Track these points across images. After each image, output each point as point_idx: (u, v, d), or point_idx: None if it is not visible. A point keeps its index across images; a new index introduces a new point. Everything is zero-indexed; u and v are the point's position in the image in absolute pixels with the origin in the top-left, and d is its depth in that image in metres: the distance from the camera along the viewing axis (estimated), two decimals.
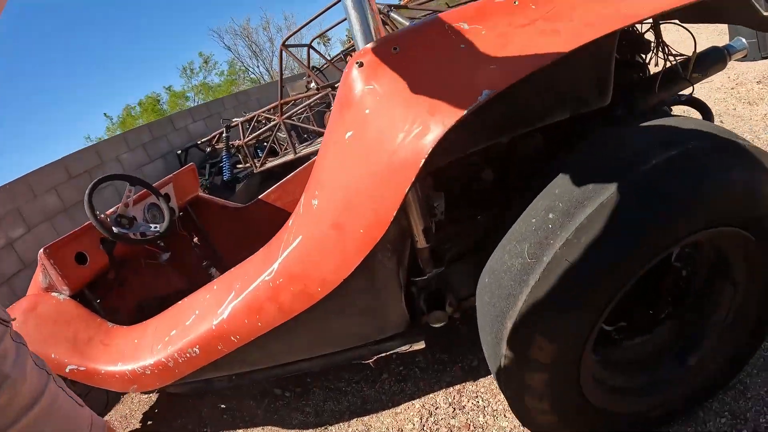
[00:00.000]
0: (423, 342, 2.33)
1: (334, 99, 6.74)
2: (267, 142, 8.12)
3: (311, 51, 7.95)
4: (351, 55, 1.67)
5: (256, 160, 8.14)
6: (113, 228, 3.21)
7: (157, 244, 3.58)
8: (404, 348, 2.35)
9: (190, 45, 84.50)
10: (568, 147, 1.82)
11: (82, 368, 2.67)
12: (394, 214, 1.53)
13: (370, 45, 1.58)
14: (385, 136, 1.51)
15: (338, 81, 7.04)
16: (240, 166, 8.74)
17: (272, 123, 7.55)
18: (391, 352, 2.38)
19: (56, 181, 7.13)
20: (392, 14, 5.99)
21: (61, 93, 76.12)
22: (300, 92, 8.15)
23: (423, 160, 1.40)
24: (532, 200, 1.62)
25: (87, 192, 3.17)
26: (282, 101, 7.25)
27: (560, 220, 1.49)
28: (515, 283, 1.55)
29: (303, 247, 1.84)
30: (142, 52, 76.27)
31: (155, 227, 3.41)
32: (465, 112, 1.37)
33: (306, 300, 1.90)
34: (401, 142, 1.46)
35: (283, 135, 7.57)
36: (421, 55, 1.54)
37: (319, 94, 6.99)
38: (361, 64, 1.57)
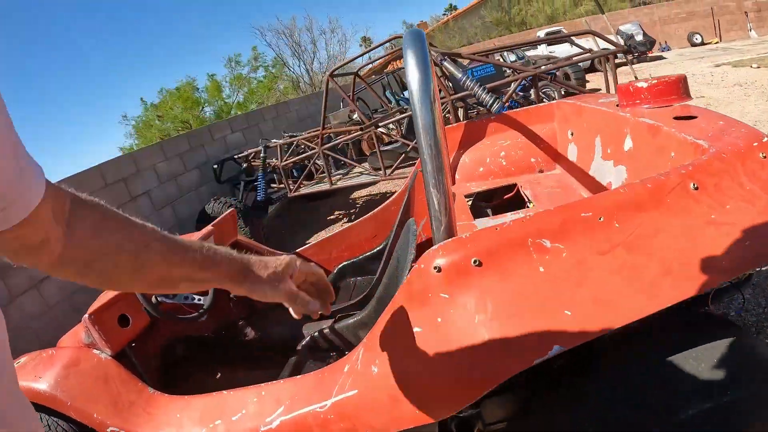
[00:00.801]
0: None
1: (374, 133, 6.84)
2: (305, 162, 8.16)
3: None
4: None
5: (291, 182, 8.20)
6: (156, 296, 3.22)
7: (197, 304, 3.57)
8: None
9: (231, 38, 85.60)
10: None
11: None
12: (452, 415, 1.57)
13: (448, 245, 1.58)
14: (453, 352, 1.51)
15: (381, 119, 7.13)
16: (275, 185, 8.81)
17: (311, 152, 7.57)
18: None
19: (91, 188, 7.26)
20: (445, 63, 5.98)
21: (99, 72, 77.42)
22: (342, 121, 8.16)
23: (486, 392, 1.44)
24: (571, 403, 1.67)
25: None
26: (323, 132, 7.26)
27: None
28: None
29: (357, 400, 1.86)
30: (184, 38, 77.66)
31: (199, 299, 3.42)
32: (533, 363, 1.39)
33: None
34: (468, 366, 1.48)
35: (321, 162, 7.60)
36: (500, 275, 1.52)
37: (361, 133, 6.97)
38: (438, 269, 1.55)
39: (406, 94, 14.06)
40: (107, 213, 1.08)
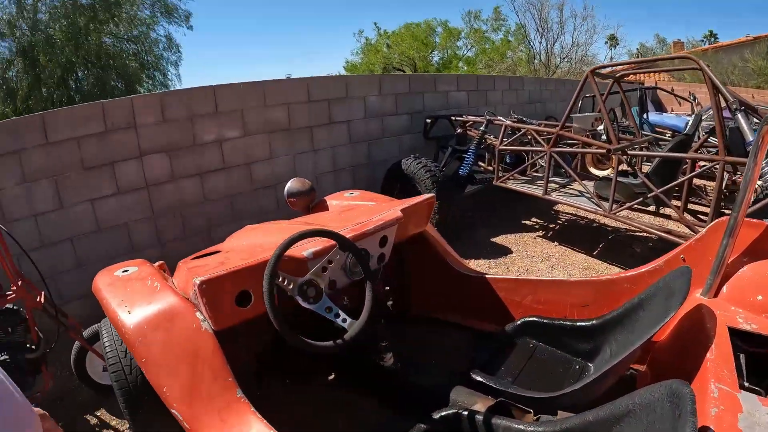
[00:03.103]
0: None
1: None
2: (525, 154, 7.17)
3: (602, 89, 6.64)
4: None
5: (501, 168, 7.17)
6: (296, 296, 2.47)
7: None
8: None
9: None
10: None
11: (185, 424, 2.23)
12: None
13: None
14: None
15: (630, 146, 5.88)
16: (482, 165, 7.79)
17: (538, 148, 6.48)
18: None
19: (292, 99, 6.87)
20: (738, 115, 4.71)
21: None
22: (583, 127, 6.92)
23: None
24: None
25: (278, 251, 2.43)
26: (560, 132, 6.13)
27: None
28: None
29: None
30: None
31: (344, 319, 2.53)
32: None
33: None
34: None
35: (543, 162, 6.49)
36: None
37: (601, 152, 5.75)
38: None
39: (651, 116, 12.51)
40: None
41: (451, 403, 2.70)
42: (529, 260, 6.37)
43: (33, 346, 3.88)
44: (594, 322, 3.02)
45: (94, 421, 4.11)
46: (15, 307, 3.89)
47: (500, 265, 6.27)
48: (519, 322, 3.31)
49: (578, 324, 3.09)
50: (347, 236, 2.74)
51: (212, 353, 2.40)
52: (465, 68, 34.61)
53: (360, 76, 8.59)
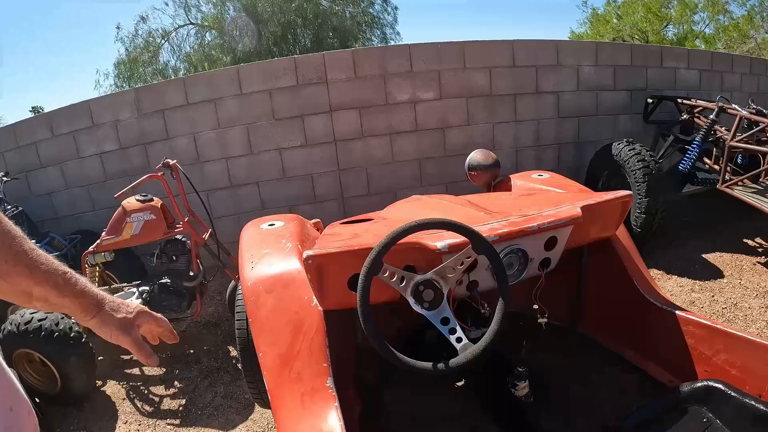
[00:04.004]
0: None
1: None
2: (760, 156, 5.94)
3: None
4: None
5: (729, 169, 5.97)
6: (409, 298, 2.03)
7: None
8: None
9: None
10: None
11: (269, 394, 2.16)
12: None
13: None
14: None
15: None
16: (707, 162, 6.54)
17: None
18: None
19: (494, 62, 6.63)
20: None
21: None
22: None
23: None
24: None
25: (385, 240, 1.96)
26: None
27: None
28: None
29: None
30: None
31: (465, 342, 1.96)
32: None
33: None
34: None
35: None
36: None
37: None
38: None
39: None
40: None
41: None
42: (740, 292, 5.20)
43: (192, 275, 4.52)
44: None
45: (233, 353, 4.64)
46: (183, 239, 4.57)
47: (705, 290, 5.23)
48: (700, 384, 2.43)
49: None
50: (501, 230, 2.24)
51: (315, 332, 2.30)
52: (702, 47, 31.74)
53: (573, 42, 7.95)
